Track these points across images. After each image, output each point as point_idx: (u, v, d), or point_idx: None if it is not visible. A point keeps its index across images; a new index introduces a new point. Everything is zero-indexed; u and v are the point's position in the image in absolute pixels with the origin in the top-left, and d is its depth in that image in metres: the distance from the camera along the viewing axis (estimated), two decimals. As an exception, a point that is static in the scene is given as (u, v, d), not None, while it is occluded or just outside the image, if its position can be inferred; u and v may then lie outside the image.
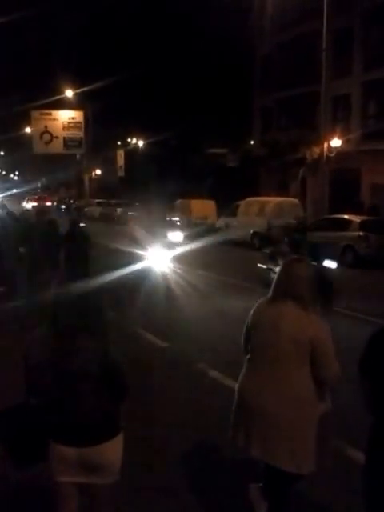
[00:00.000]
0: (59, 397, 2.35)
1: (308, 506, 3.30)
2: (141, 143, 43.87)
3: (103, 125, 40.89)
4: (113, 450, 2.39)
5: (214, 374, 5.69)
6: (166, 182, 38.60)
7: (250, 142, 31.86)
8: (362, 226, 15.28)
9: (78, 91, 36.80)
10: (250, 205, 20.61)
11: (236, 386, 3.00)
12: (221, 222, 22.03)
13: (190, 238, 17.89)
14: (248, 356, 2.95)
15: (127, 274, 8.41)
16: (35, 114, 36.18)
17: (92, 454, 2.34)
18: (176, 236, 16.29)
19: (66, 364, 2.33)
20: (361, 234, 14.99)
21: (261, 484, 3.15)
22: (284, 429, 2.72)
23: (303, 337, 2.69)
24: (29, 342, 2.46)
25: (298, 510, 3.12)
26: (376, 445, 2.40)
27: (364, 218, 16.91)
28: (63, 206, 46.74)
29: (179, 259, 13.39)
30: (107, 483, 2.43)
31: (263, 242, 18.80)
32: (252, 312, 2.95)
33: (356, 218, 16.12)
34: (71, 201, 47.94)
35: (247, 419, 2.85)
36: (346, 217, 16.32)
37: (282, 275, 2.84)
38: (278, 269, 3.01)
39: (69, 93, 36.98)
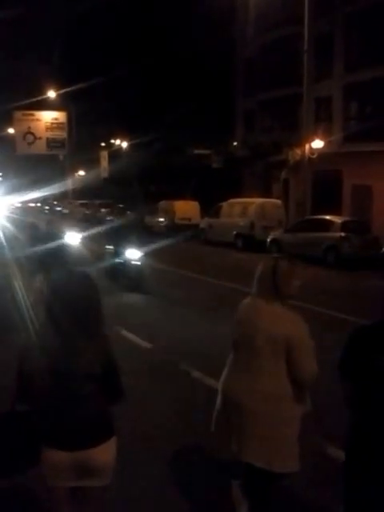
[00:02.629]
0: (57, 400, 2.30)
1: (288, 504, 3.33)
2: (124, 144, 43.76)
3: (86, 126, 40.68)
4: (108, 452, 2.38)
5: (196, 374, 5.72)
6: (149, 183, 38.58)
7: (233, 143, 32.01)
8: (344, 226, 15.50)
9: (61, 92, 36.58)
10: (232, 206, 20.73)
11: (219, 384, 3.03)
12: (204, 223, 22.12)
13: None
14: (230, 352, 2.98)
15: None
16: (18, 114, 35.84)
17: (88, 456, 2.32)
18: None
19: (67, 368, 2.27)
20: (342, 234, 15.19)
21: (241, 481, 3.16)
22: (259, 426, 2.73)
23: (279, 334, 2.70)
24: (23, 345, 2.38)
25: (279, 508, 3.14)
26: (355, 443, 2.41)
27: (345, 218, 17.15)
28: (47, 207, 46.39)
29: (161, 258, 13.48)
30: (100, 485, 2.42)
31: (246, 242, 18.99)
32: (238, 310, 2.98)
33: (337, 219, 16.34)
34: (54, 202, 47.62)
35: (227, 415, 2.87)
36: (327, 218, 16.53)
37: (261, 272, 2.85)
38: None
39: (52, 93, 36.73)
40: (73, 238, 14.14)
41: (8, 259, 9.49)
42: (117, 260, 11.28)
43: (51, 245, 9.24)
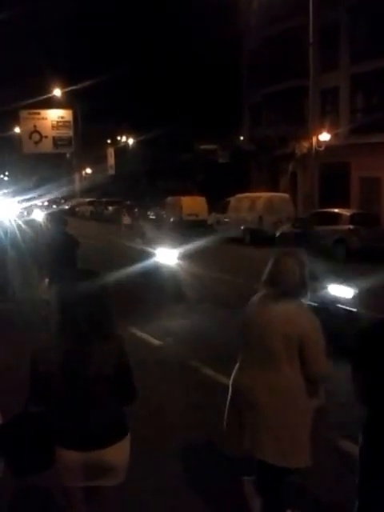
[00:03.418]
0: (70, 401, 2.31)
1: (300, 498, 3.32)
2: (131, 141, 43.76)
3: (92, 123, 40.71)
4: (122, 452, 2.38)
5: (207, 371, 5.71)
6: (156, 179, 38.57)
7: (239, 137, 31.88)
8: (352, 219, 15.40)
9: (67, 90, 36.60)
10: (240, 201, 20.65)
11: (230, 381, 3.02)
12: (212, 219, 22.08)
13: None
14: (241, 351, 2.96)
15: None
16: (24, 113, 35.92)
17: (102, 456, 2.32)
18: None
19: (82, 368, 2.27)
20: (351, 227, 15.10)
21: (254, 477, 3.16)
22: (273, 422, 2.72)
23: (292, 332, 2.68)
24: (37, 346, 2.38)
25: (292, 503, 3.13)
26: (369, 437, 2.40)
27: (354, 211, 17.04)
28: (54, 206, 46.52)
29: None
30: (114, 485, 2.43)
31: (255, 237, 18.92)
32: (246, 307, 2.95)
33: (346, 212, 16.24)
34: (62, 200, 47.77)
35: (239, 413, 2.87)
36: (336, 210, 16.42)
37: (272, 269, 2.81)
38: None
39: (57, 92, 36.78)
40: (166, 257, 10.37)
41: (25, 259, 9.46)
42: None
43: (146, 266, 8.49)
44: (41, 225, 10.01)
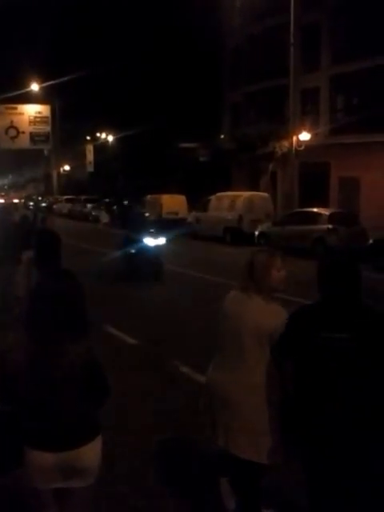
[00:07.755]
0: (40, 402, 2.27)
1: (276, 497, 3.26)
2: (110, 138, 43.35)
3: (71, 119, 40.24)
4: (93, 452, 2.36)
5: (185, 369, 5.65)
6: (136, 177, 38.31)
7: (220, 136, 31.86)
8: (331, 218, 15.46)
9: (45, 85, 36.03)
10: (220, 199, 20.58)
11: (205, 379, 3.03)
12: (192, 217, 21.96)
13: None
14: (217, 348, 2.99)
15: None
16: (0, 107, 35.30)
17: (73, 457, 2.29)
18: None
19: (50, 369, 2.24)
20: (330, 226, 15.16)
21: (230, 478, 3.16)
22: (246, 418, 2.74)
23: (266, 327, 2.72)
24: (5, 346, 2.34)
25: (267, 502, 3.07)
26: (300, 423, 2.42)
27: (333, 210, 17.13)
28: (31, 203, 45.86)
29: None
30: (85, 486, 2.40)
31: (235, 236, 18.85)
32: (223, 303, 2.99)
33: (325, 211, 16.31)
34: (39, 198, 47.09)
35: (213, 409, 2.88)
36: (315, 210, 16.48)
37: (246, 266, 2.88)
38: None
39: (34, 86, 36.18)
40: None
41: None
42: None
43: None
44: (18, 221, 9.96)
